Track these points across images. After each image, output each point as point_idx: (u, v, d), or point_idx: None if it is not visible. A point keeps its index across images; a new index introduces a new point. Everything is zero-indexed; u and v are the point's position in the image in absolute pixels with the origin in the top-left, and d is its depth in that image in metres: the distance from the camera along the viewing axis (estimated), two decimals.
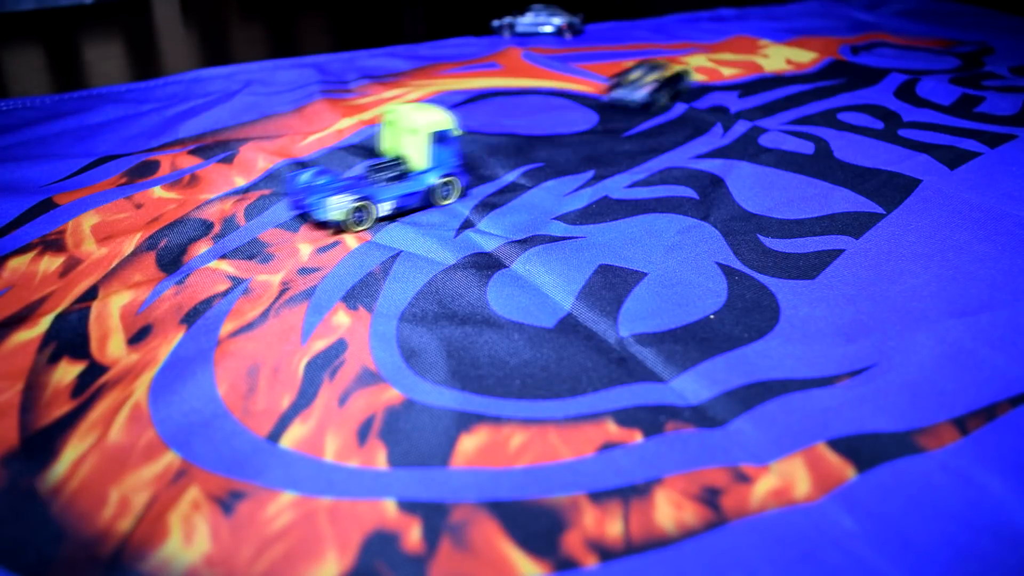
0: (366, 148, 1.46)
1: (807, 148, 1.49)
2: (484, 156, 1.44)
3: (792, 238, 1.14)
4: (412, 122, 1.22)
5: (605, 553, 0.64)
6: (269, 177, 1.32)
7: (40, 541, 0.64)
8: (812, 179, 1.34)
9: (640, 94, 1.67)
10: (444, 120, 1.23)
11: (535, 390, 0.81)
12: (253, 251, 1.08)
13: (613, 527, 0.66)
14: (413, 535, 0.65)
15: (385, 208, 1.17)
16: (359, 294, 0.98)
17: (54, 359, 0.85)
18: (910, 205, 1.25)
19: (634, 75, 1.72)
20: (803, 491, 0.69)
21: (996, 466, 0.72)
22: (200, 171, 1.34)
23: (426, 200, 1.22)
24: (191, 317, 0.93)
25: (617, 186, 1.31)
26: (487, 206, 1.23)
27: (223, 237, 1.12)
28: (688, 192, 1.28)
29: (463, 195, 1.28)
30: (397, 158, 1.24)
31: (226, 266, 1.04)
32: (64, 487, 0.69)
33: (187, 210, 1.19)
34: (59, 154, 1.40)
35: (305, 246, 1.09)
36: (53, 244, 1.09)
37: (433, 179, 1.22)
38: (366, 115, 1.63)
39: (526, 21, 2.41)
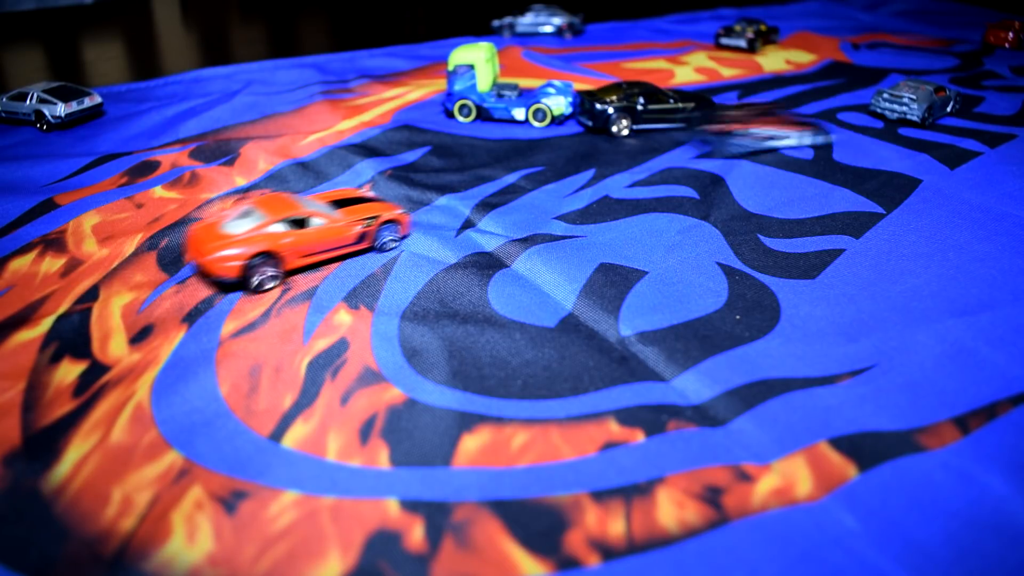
0: (368, 148, 1.46)
1: (807, 148, 1.49)
2: (484, 156, 1.44)
3: (792, 238, 1.14)
4: (491, 48, 1.62)
5: (607, 552, 0.64)
6: (270, 177, 1.32)
7: (43, 541, 0.64)
8: (812, 179, 1.35)
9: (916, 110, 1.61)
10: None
11: (537, 390, 0.82)
12: None
13: (615, 526, 0.66)
14: (415, 534, 0.65)
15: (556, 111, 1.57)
16: (360, 294, 0.98)
17: (56, 359, 0.85)
18: (910, 205, 1.25)
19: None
20: (805, 490, 0.70)
21: (997, 465, 0.72)
22: (201, 170, 1.34)
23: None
24: (192, 316, 0.93)
25: (617, 186, 1.31)
26: (487, 206, 1.23)
27: None
28: (688, 192, 1.28)
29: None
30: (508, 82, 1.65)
31: None
32: (67, 486, 0.69)
33: (188, 210, 1.19)
34: (59, 154, 1.40)
35: None
36: (54, 244, 1.09)
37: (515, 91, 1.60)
38: (367, 116, 1.63)
39: (526, 21, 2.41)
